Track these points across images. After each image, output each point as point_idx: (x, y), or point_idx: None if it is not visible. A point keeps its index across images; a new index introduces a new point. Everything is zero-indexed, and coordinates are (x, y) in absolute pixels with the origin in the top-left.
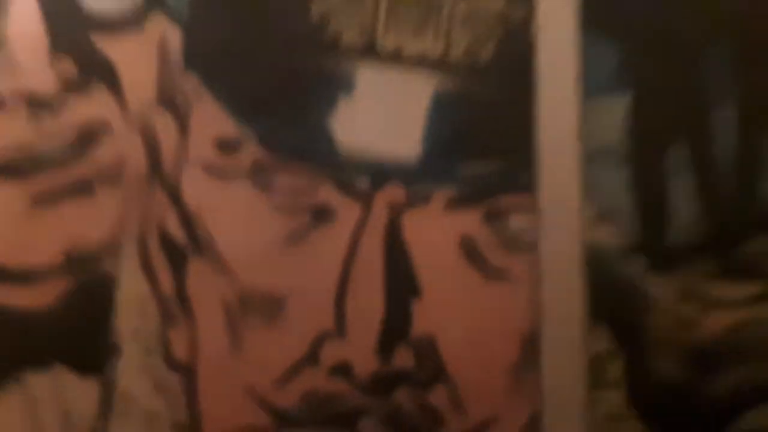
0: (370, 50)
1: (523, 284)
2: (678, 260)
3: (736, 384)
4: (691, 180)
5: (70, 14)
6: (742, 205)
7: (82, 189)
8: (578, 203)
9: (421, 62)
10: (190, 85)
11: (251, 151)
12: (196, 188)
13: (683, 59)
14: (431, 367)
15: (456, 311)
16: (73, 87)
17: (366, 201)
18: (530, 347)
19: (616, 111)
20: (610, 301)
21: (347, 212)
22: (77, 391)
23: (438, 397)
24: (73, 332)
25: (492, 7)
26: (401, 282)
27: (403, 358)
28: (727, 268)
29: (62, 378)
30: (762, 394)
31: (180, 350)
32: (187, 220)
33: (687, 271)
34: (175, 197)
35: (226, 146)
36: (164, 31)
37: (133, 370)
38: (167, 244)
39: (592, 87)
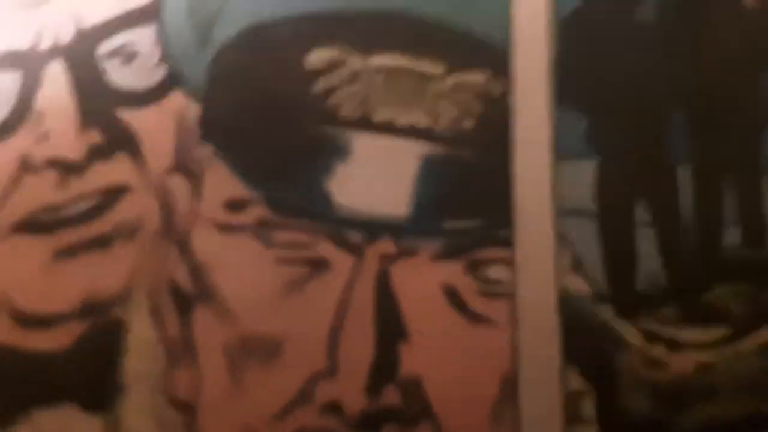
0: (365, 121)
1: (502, 328)
2: (645, 306)
3: (704, 421)
4: (656, 232)
5: (98, 89)
6: (703, 255)
7: (101, 244)
8: (552, 255)
9: (411, 132)
10: (204, 152)
11: (257, 210)
12: (205, 243)
13: (646, 125)
14: (418, 406)
15: (441, 353)
16: (98, 154)
17: (359, 254)
18: (510, 386)
19: (585, 172)
20: (583, 344)
21: (341, 264)
22: (84, 429)
23: None
24: (85, 373)
25: (474, 84)
26: (390, 327)
27: (391, 397)
28: (690, 314)
29: (70, 416)
30: (730, 430)
31: (183, 390)
32: (196, 271)
33: (653, 317)
34: (185, 251)
35: (234, 206)
36: (183, 106)
37: (139, 409)
38: (176, 292)
39: (563, 151)
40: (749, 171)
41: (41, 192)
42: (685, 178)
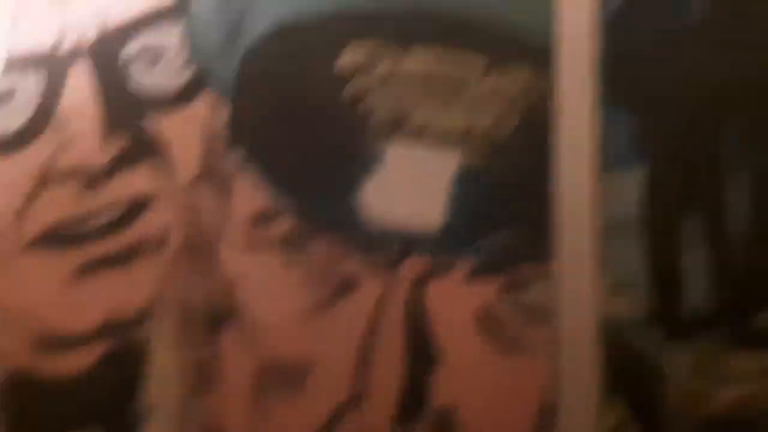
0: (399, 127)
1: (540, 355)
2: (692, 331)
3: None
4: (705, 251)
5: (123, 93)
6: (756, 275)
7: (124, 259)
8: (594, 274)
9: (446, 138)
10: (233, 159)
11: (285, 223)
12: (232, 259)
13: (698, 132)
14: None
15: (475, 382)
16: (122, 162)
17: (390, 271)
18: (548, 416)
19: (631, 184)
20: (626, 373)
21: (371, 282)
22: None
23: None
24: (107, 397)
25: (513, 86)
26: (421, 352)
27: (423, 429)
28: (741, 340)
29: None
30: None
31: (210, 416)
32: (223, 289)
33: (701, 342)
34: (213, 267)
35: (263, 219)
36: (210, 109)
37: None
38: (203, 312)
39: (609, 160)
40: None
41: (62, 203)
42: (740, 188)
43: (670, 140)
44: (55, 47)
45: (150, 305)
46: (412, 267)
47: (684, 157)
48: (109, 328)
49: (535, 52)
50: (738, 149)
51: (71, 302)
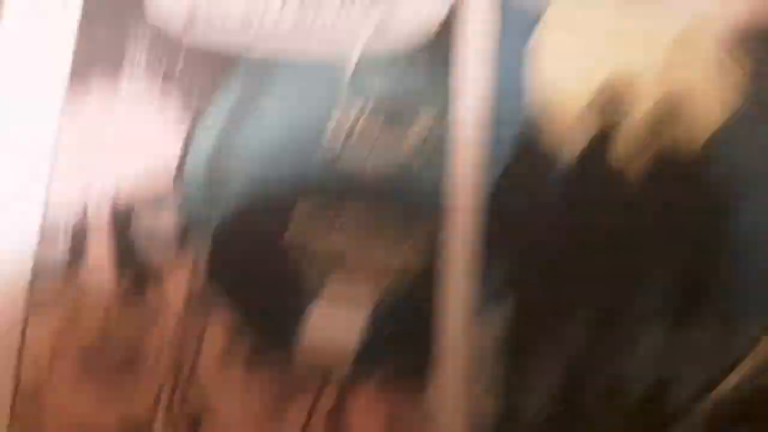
0: (335, 267)
1: None
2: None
3: None
4: (552, 373)
5: (133, 254)
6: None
7: (133, 371)
8: (468, 384)
9: (370, 277)
10: (210, 295)
11: (247, 344)
12: (208, 372)
13: (552, 277)
14: None
15: None
16: (130, 303)
17: (319, 386)
18: None
19: (501, 318)
20: None
21: (306, 395)
22: None
23: None
24: None
25: (417, 235)
26: None
27: None
28: None
29: None
30: None
31: None
32: (200, 395)
33: None
34: (193, 378)
35: (232, 340)
36: (195, 256)
37: None
38: (187, 413)
39: (484, 298)
40: None
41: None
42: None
43: (528, 283)
44: (79, 217)
45: (151, 409)
46: (336, 381)
47: (536, 299)
48: (124, 423)
49: (433, 208)
50: (583, 292)
51: (96, 405)
